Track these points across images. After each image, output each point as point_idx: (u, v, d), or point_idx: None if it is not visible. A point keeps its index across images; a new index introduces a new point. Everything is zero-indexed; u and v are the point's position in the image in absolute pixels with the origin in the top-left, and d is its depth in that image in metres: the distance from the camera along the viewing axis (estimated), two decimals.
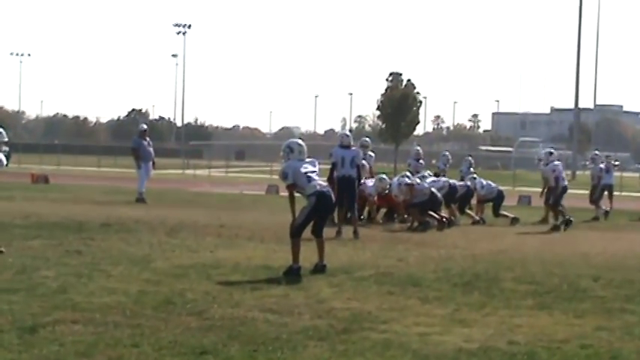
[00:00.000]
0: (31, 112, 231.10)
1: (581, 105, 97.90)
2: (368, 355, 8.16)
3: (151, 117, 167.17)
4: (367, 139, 25.16)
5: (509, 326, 9.64)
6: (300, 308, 10.23)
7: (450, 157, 30.15)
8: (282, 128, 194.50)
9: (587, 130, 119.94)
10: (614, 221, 26.91)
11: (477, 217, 24.27)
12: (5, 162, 14.90)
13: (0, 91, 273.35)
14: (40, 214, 21.24)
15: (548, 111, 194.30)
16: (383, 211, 24.14)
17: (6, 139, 14.79)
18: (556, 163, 23.51)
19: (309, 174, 13.23)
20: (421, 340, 8.82)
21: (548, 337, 9.08)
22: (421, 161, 27.46)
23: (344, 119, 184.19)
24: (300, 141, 13.79)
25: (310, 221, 13.24)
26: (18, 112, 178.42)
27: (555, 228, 22.62)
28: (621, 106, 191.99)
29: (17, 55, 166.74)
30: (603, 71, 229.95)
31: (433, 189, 22.40)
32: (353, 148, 20.12)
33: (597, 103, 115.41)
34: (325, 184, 14.04)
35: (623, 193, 42.02)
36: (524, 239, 19.78)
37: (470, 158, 29.79)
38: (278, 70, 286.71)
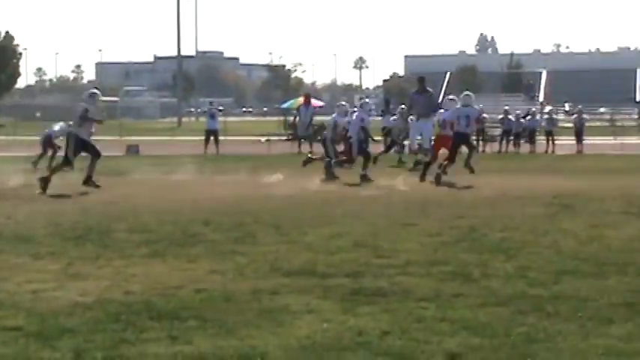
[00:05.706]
0: None
1: (183, 52, 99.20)
2: None
3: None
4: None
5: (124, 276, 9.62)
6: None
7: None
8: None
9: (190, 77, 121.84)
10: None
11: None
12: None
13: None
14: None
15: (151, 59, 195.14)
16: None
17: None
18: None
19: None
20: (35, 297, 8.60)
21: (163, 285, 9.14)
22: None
23: None
24: None
25: None
26: None
27: None
28: (222, 53, 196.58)
29: None
30: (203, 18, 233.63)
31: None
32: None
33: (199, 49, 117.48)
34: None
35: (229, 138, 42.90)
36: (135, 190, 19.70)
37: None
38: None
